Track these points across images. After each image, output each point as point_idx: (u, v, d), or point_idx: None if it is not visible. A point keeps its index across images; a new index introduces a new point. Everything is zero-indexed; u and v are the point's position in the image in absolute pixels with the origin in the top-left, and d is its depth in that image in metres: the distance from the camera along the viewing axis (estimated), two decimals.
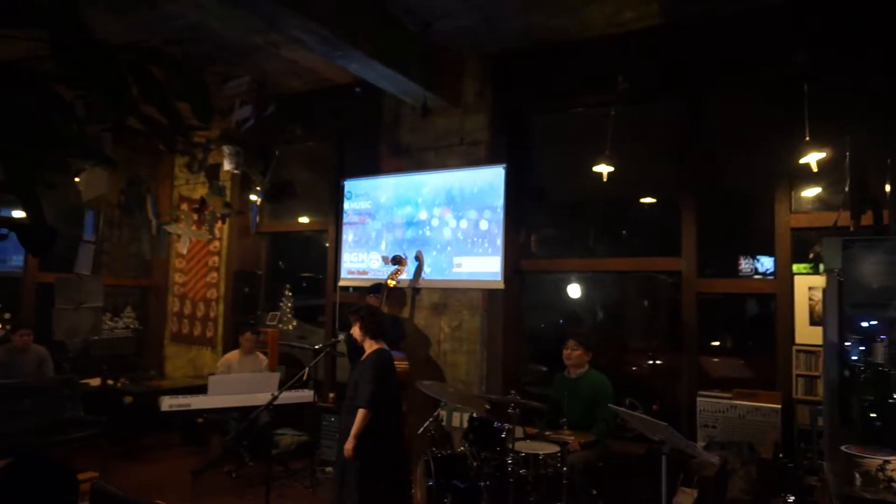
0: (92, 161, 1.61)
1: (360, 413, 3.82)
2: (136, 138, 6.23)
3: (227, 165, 5.15)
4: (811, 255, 3.58)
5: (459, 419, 5.49)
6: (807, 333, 4.38)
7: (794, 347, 4.42)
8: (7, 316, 6.42)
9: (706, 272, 4.92)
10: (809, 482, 3.40)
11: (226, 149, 4.99)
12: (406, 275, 5.63)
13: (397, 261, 5.54)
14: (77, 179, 4.55)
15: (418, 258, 5.70)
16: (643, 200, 5.66)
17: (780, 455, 4.01)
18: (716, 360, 5.42)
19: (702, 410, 4.53)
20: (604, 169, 4.77)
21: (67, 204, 5.87)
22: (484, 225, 5.46)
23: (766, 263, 4.88)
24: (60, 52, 1.05)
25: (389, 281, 5.39)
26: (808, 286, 4.43)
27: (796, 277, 4.50)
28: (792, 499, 3.02)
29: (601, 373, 4.51)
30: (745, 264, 4.93)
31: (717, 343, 5.65)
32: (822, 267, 3.47)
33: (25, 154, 1.31)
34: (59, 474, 1.63)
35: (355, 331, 4.06)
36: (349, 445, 3.80)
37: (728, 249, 4.99)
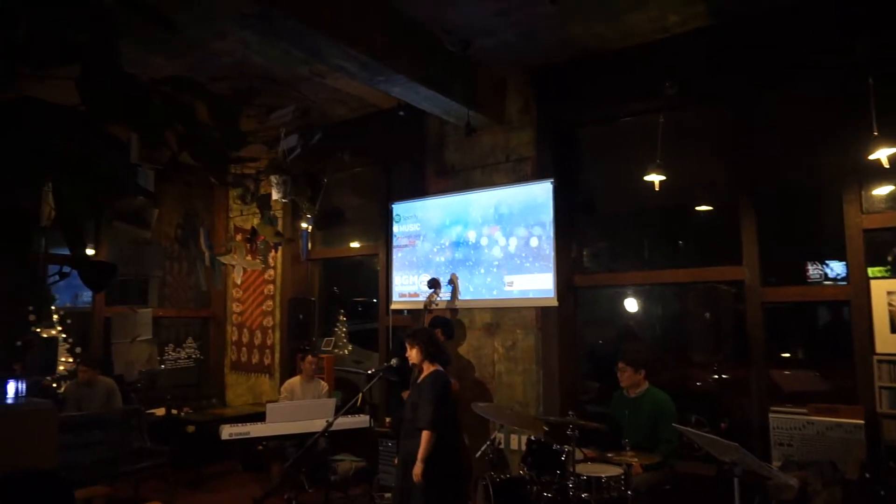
0: (137, 197, 1.63)
1: (425, 435, 3.77)
2: (188, 172, 6.46)
3: (275, 195, 5.27)
4: (890, 258, 3.31)
5: (517, 441, 5.36)
6: (889, 342, 4.07)
7: (875, 357, 4.12)
8: (78, 350, 6.69)
9: (770, 280, 4.67)
10: None
11: (273, 178, 5.10)
12: (444, 297, 5.62)
13: (433, 284, 5.53)
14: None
15: (452, 281, 5.68)
16: (699, 208, 5.44)
17: (868, 475, 3.71)
18: (787, 372, 5.11)
19: (775, 427, 4.26)
20: (655, 178, 4.61)
21: (129, 241, 6.12)
22: (534, 242, 5.36)
23: (836, 268, 4.59)
24: (88, 87, 1.06)
25: (427, 304, 5.39)
26: (886, 290, 4.13)
27: (872, 282, 4.20)
28: None
29: (662, 390, 4.31)
30: (813, 270, 4.65)
31: (787, 354, 5.33)
32: None
33: (79, 193, 1.33)
34: (53, 487, 1.63)
35: (412, 354, 4.02)
36: (418, 470, 3.75)
37: (794, 255, 4.72)
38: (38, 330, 6.42)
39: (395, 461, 4.19)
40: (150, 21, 1.28)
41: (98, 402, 5.91)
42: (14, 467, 2.54)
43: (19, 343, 6.25)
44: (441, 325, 5.25)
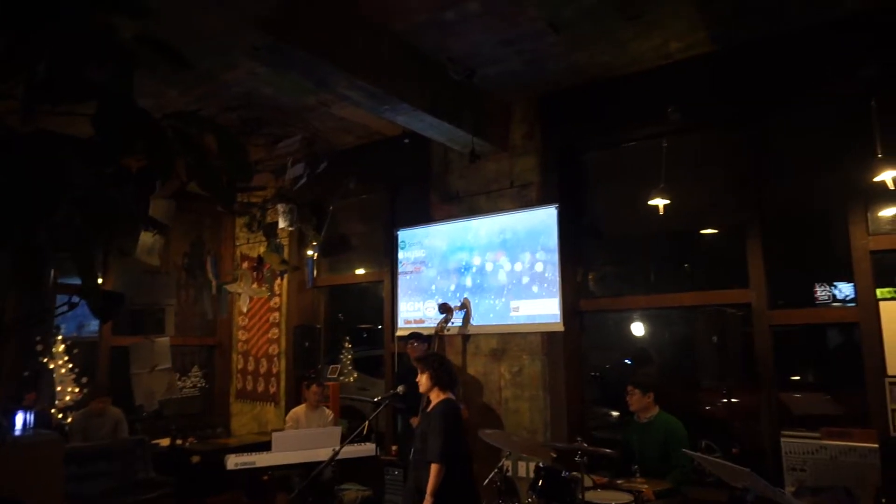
0: (148, 229, 1.66)
1: (434, 469, 3.66)
2: (195, 201, 6.51)
3: (281, 223, 5.31)
4: None
5: (525, 469, 5.29)
6: None
7: (887, 379, 4.08)
8: (84, 380, 6.67)
9: (779, 303, 4.65)
10: None
11: (280, 207, 5.15)
12: (455, 322, 5.59)
13: (444, 309, 5.50)
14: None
15: (465, 305, 5.64)
16: (704, 231, 5.45)
17: (884, 500, 3.65)
18: (797, 396, 5.06)
19: (788, 452, 4.20)
20: (659, 202, 4.63)
21: (134, 270, 6.16)
22: (539, 267, 5.37)
23: (844, 290, 4.58)
24: (104, 123, 1.09)
25: (439, 329, 5.35)
26: None
27: (882, 303, 4.18)
28: None
29: (673, 416, 4.27)
30: (821, 292, 4.64)
31: (797, 377, 5.29)
32: None
33: (92, 225, 1.35)
34: None
35: (423, 380, 3.98)
36: None
37: (801, 277, 4.72)
38: (45, 360, 6.41)
39: None
40: (166, 59, 1.32)
41: (105, 433, 5.89)
42: (22, 497, 2.52)
43: (27, 373, 6.25)
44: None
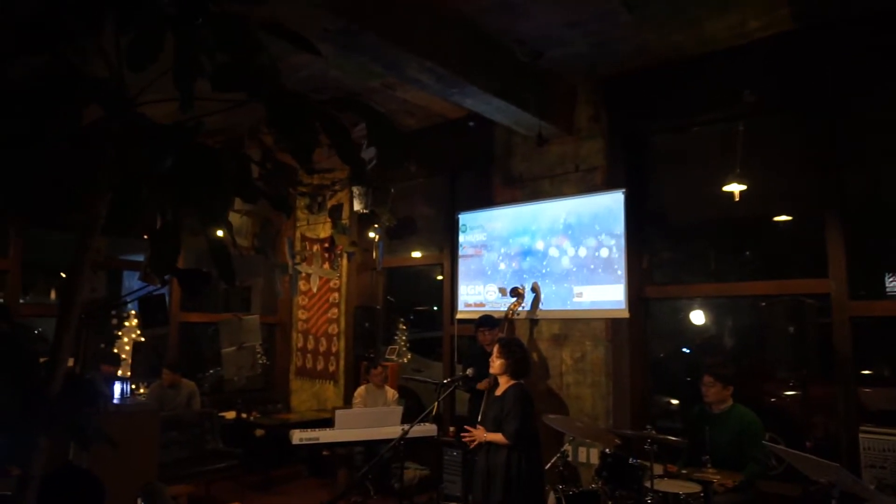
0: (273, 206, 1.73)
1: (499, 436, 3.80)
2: (263, 183, 6.67)
3: (356, 206, 5.37)
4: None
5: (586, 454, 5.29)
6: None
7: None
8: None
9: (860, 293, 4.48)
10: None
11: (355, 189, 5.21)
12: (524, 306, 5.56)
13: (515, 293, 5.46)
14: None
15: (535, 289, 5.58)
16: (777, 219, 5.27)
17: None
18: (872, 390, 4.90)
19: (866, 448, 4.07)
20: (735, 188, 4.50)
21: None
22: (604, 252, 5.30)
23: None
24: (272, 109, 1.13)
25: (509, 313, 5.33)
26: None
27: None
28: None
29: (748, 408, 4.18)
30: (890, 283, 4.46)
31: (869, 371, 5.12)
32: None
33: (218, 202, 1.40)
34: (89, 483, 1.71)
35: (497, 364, 4.00)
36: (483, 434, 3.90)
37: (882, 268, 4.53)
38: (119, 333, 6.73)
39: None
40: (299, 48, 1.35)
41: (179, 403, 6.15)
42: (122, 463, 2.66)
43: (102, 345, 6.57)
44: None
